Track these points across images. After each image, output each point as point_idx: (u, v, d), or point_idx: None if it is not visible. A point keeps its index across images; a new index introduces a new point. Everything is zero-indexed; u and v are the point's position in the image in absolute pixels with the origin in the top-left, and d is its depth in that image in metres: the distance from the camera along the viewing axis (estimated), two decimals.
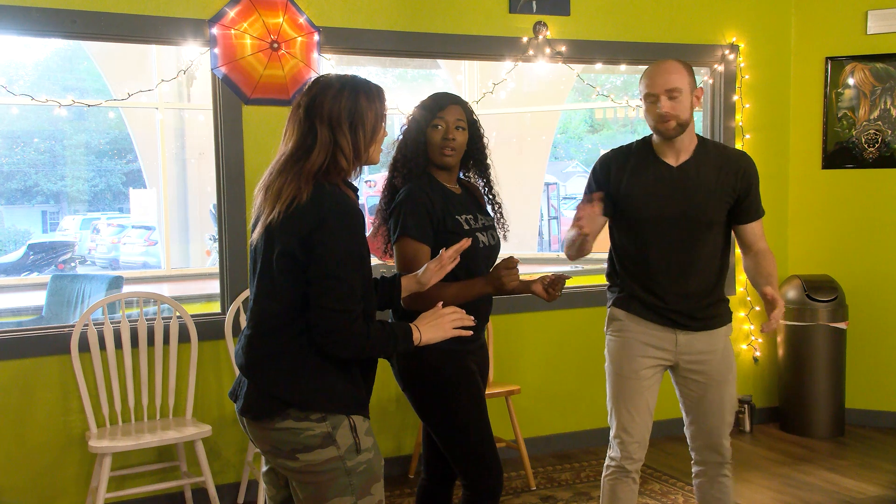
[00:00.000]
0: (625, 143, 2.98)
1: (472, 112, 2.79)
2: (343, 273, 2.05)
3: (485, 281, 2.63)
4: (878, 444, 4.90)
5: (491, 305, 2.85)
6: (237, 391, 2.22)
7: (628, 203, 2.84)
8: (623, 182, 2.85)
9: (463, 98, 2.81)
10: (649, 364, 2.86)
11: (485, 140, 2.83)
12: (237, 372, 2.18)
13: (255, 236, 2.17)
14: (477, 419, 2.69)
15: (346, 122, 2.12)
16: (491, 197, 2.90)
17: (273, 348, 2.12)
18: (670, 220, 2.77)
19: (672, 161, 2.81)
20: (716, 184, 2.77)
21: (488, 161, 2.85)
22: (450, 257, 2.46)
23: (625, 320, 2.89)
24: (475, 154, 2.81)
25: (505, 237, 2.92)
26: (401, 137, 2.78)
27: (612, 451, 2.92)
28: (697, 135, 2.87)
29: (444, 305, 2.32)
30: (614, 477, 2.91)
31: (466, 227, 2.70)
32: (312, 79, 2.24)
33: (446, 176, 2.76)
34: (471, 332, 2.31)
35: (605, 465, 2.96)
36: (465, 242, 2.47)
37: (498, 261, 2.74)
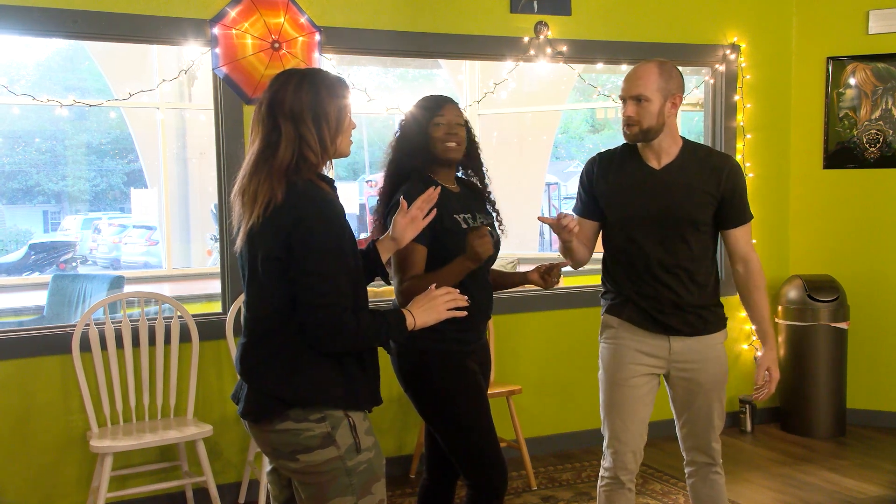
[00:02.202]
0: (612, 147, 2.99)
1: (463, 114, 2.86)
2: (324, 268, 2.04)
3: (462, 257, 2.59)
4: (879, 444, 4.90)
5: (491, 304, 2.85)
6: (238, 394, 2.22)
7: (611, 204, 2.85)
8: (605, 184, 2.87)
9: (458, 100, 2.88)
10: (642, 372, 2.83)
11: (476, 140, 2.90)
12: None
13: (238, 244, 2.17)
14: (478, 419, 2.69)
15: (309, 115, 2.10)
16: (486, 195, 2.93)
17: (269, 351, 2.12)
18: (654, 218, 2.77)
19: (654, 164, 2.81)
20: (698, 183, 2.76)
21: (482, 160, 2.91)
22: (418, 207, 2.43)
23: (618, 328, 2.87)
24: (470, 153, 2.87)
25: (503, 232, 2.94)
26: (397, 137, 2.81)
27: (606, 462, 2.90)
28: (683, 138, 2.86)
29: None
30: (609, 488, 2.89)
31: (464, 225, 2.70)
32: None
33: (444, 174, 2.78)
34: (465, 313, 2.29)
35: (599, 475, 2.95)
36: (432, 191, 2.48)
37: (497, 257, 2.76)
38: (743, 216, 2.83)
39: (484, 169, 2.91)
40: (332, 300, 2.04)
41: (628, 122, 2.76)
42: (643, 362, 2.83)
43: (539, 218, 2.91)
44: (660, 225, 2.76)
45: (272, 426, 2.11)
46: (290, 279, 2.05)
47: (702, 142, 4.23)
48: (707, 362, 2.83)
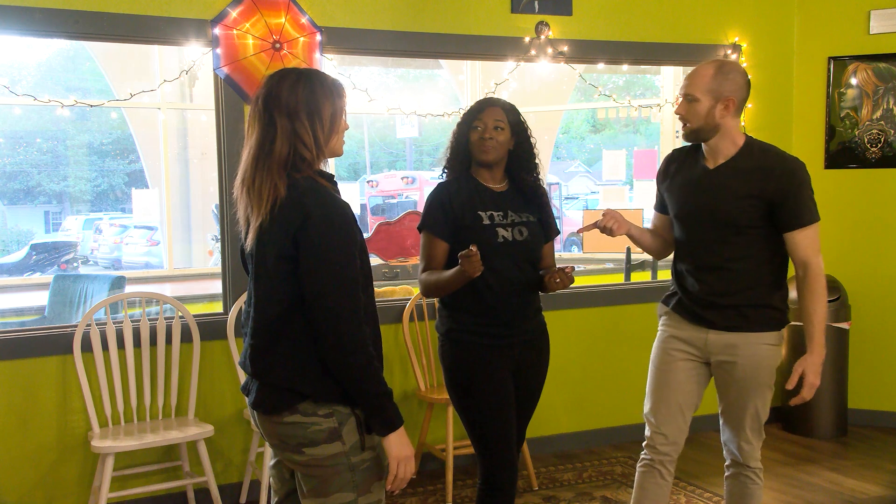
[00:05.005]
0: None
1: (514, 113, 2.89)
2: (335, 266, 2.05)
3: (455, 270, 2.66)
4: (881, 444, 4.89)
5: (529, 304, 2.87)
6: (249, 385, 2.23)
7: (669, 200, 2.95)
8: (669, 180, 2.96)
9: (504, 100, 2.94)
10: (679, 358, 2.89)
11: (532, 140, 2.93)
12: (241, 372, 2.19)
13: (248, 244, 2.16)
14: (489, 417, 2.77)
15: (304, 112, 2.12)
16: (538, 195, 2.96)
17: (280, 351, 2.13)
18: (699, 217, 2.83)
19: (710, 164, 2.84)
20: (743, 185, 2.75)
21: (536, 161, 2.95)
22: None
23: (665, 316, 2.98)
24: (520, 152, 2.90)
25: (556, 232, 3.01)
26: (452, 136, 2.94)
27: (644, 443, 2.99)
28: (748, 137, 2.85)
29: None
30: (644, 468, 2.97)
31: (487, 221, 2.78)
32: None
33: (489, 174, 2.88)
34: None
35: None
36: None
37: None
38: (798, 220, 2.73)
39: (535, 170, 2.94)
40: (344, 292, 2.06)
41: (681, 120, 2.84)
42: (680, 348, 2.90)
43: (579, 230, 2.94)
44: (703, 224, 2.82)
45: (281, 418, 2.12)
46: (298, 276, 2.07)
47: None
48: (744, 359, 2.82)
